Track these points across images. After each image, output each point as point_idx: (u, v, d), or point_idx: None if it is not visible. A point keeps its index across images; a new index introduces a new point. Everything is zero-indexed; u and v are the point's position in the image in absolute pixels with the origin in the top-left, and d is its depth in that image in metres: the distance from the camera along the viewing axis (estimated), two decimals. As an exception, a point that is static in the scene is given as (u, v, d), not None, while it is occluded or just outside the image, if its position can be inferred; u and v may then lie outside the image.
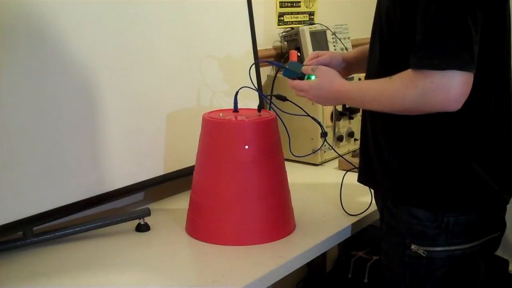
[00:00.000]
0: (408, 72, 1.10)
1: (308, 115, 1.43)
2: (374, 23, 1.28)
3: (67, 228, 1.37)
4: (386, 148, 1.24)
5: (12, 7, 1.22)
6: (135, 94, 1.48)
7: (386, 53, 1.21)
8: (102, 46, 1.40)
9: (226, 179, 1.33)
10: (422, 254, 1.21)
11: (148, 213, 1.43)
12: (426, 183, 1.20)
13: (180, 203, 1.61)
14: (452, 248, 1.21)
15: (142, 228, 1.43)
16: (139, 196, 1.66)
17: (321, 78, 1.28)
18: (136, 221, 1.43)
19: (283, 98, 1.41)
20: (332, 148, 1.64)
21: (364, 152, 1.34)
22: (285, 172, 1.42)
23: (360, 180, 1.38)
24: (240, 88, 1.38)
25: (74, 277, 1.20)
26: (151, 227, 1.44)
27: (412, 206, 1.21)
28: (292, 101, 1.41)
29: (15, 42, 1.23)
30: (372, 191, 1.46)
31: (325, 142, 1.49)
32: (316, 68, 1.30)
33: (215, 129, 1.35)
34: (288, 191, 1.43)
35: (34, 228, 1.32)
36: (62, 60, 1.32)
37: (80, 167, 1.36)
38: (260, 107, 1.41)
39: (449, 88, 1.05)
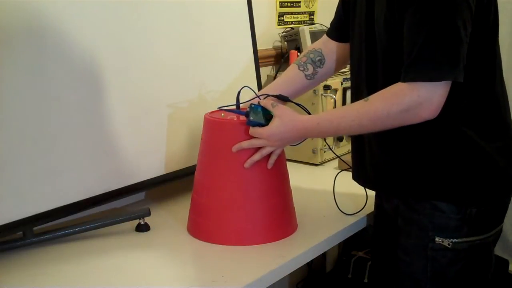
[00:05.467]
0: (393, 88, 1.12)
1: (309, 113, 1.43)
2: (362, 39, 1.27)
3: (67, 228, 1.37)
4: (408, 147, 1.24)
5: (13, 7, 1.22)
6: (135, 93, 1.48)
7: (390, 63, 1.20)
8: (102, 46, 1.40)
9: (228, 179, 1.33)
10: (447, 246, 1.23)
11: (148, 213, 1.43)
12: (453, 178, 1.21)
13: (181, 203, 1.61)
14: (473, 238, 1.23)
15: (142, 228, 1.43)
16: (139, 196, 1.66)
17: (282, 117, 1.26)
18: (136, 221, 1.44)
19: (284, 99, 1.41)
20: (331, 149, 1.63)
21: (375, 159, 1.32)
22: (287, 171, 1.42)
23: (370, 186, 1.41)
24: (242, 88, 1.38)
25: (74, 277, 1.20)
26: (151, 227, 1.44)
27: (436, 200, 1.23)
28: (294, 101, 1.41)
29: (15, 42, 1.23)
30: (369, 191, 1.47)
31: (325, 143, 1.50)
32: (276, 105, 1.28)
33: (217, 129, 1.35)
34: (290, 191, 1.43)
35: (34, 228, 1.32)
36: (62, 60, 1.32)
37: (80, 167, 1.36)
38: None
39: (432, 100, 1.09)
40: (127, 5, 1.45)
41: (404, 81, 1.11)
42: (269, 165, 1.32)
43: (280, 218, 1.37)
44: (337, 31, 1.47)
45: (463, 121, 1.19)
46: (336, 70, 1.51)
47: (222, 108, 1.38)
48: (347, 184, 1.56)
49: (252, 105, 1.30)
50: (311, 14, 2.35)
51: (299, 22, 2.28)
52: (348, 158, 1.68)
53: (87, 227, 1.38)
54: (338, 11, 1.46)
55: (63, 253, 1.31)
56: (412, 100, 1.09)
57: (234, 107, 1.37)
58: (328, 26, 2.13)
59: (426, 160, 1.22)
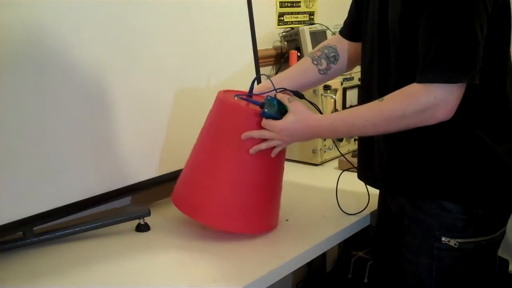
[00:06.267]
0: (409, 89, 1.13)
1: (320, 112, 1.41)
2: (374, 39, 1.27)
3: (67, 228, 1.37)
4: (418, 147, 1.24)
5: (13, 8, 1.22)
6: (135, 94, 1.48)
7: (404, 64, 1.19)
8: (102, 47, 1.40)
9: (226, 161, 1.32)
10: (453, 245, 1.23)
11: (148, 213, 1.43)
12: (461, 178, 1.21)
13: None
14: (479, 239, 1.24)
15: (142, 228, 1.43)
16: (139, 196, 1.65)
17: (296, 114, 1.26)
18: (136, 221, 1.44)
19: (300, 96, 1.39)
20: (337, 148, 1.62)
21: (383, 158, 1.32)
22: (283, 168, 1.41)
23: (376, 185, 1.40)
24: (259, 76, 1.35)
25: (74, 277, 1.20)
26: (151, 227, 1.44)
27: (443, 199, 1.23)
28: (308, 99, 1.40)
29: (15, 42, 1.23)
30: (371, 190, 1.47)
31: (333, 142, 1.47)
32: (292, 100, 1.28)
33: (226, 111, 1.33)
34: (280, 187, 1.42)
35: (34, 228, 1.32)
36: (62, 60, 1.31)
37: (80, 167, 1.36)
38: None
39: (447, 101, 1.10)
40: (127, 6, 1.45)
41: (419, 82, 1.11)
42: (273, 154, 1.31)
43: (265, 211, 1.36)
44: (349, 30, 1.47)
45: (474, 122, 1.19)
46: (348, 68, 1.51)
47: (238, 95, 1.36)
48: (348, 184, 1.56)
49: (269, 97, 1.29)
50: (311, 14, 2.35)
51: (299, 22, 2.28)
52: (350, 157, 1.68)
53: (87, 227, 1.38)
54: (351, 10, 1.46)
55: (63, 253, 1.31)
56: (428, 101, 1.10)
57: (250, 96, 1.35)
58: (328, 26, 2.13)
59: (435, 160, 1.22)
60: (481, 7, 1.08)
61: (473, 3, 1.07)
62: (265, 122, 1.28)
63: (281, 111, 1.28)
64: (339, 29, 2.16)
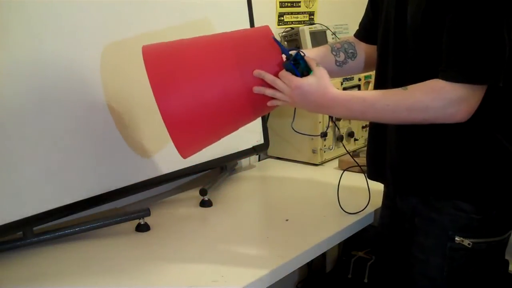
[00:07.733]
0: (433, 83, 1.11)
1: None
2: (389, 40, 1.25)
3: (67, 228, 1.37)
4: (434, 146, 1.22)
5: (13, 3, 1.22)
6: (134, 94, 1.48)
7: (421, 66, 1.18)
8: (102, 46, 1.40)
9: (222, 72, 1.23)
10: (467, 245, 1.22)
11: (148, 213, 1.43)
12: (477, 178, 1.20)
13: (180, 203, 1.61)
14: (491, 239, 1.23)
15: (142, 228, 1.43)
16: (139, 196, 1.66)
17: (319, 79, 1.21)
18: (136, 221, 1.44)
19: None
20: (343, 146, 1.61)
21: (395, 157, 1.30)
22: (247, 121, 1.33)
23: (387, 185, 1.39)
24: (299, 49, 1.31)
25: (74, 277, 1.20)
26: (151, 227, 1.44)
27: (458, 199, 1.22)
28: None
29: (14, 41, 1.23)
30: (372, 190, 1.46)
31: (328, 142, 1.45)
32: (320, 67, 1.23)
33: (264, 40, 1.26)
34: (225, 135, 1.33)
35: (34, 228, 1.32)
36: (62, 59, 1.32)
37: (80, 167, 1.36)
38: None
39: (469, 102, 1.09)
40: (127, 6, 1.45)
41: (443, 79, 1.09)
42: (269, 103, 1.25)
43: (201, 140, 1.29)
44: (366, 31, 1.44)
45: (492, 123, 1.18)
46: (365, 69, 1.48)
47: (276, 39, 1.28)
48: (348, 184, 1.56)
49: (299, 53, 1.24)
50: (311, 14, 2.35)
51: (299, 22, 2.28)
52: (347, 158, 1.68)
53: (87, 227, 1.39)
54: (367, 11, 1.44)
55: (63, 253, 1.31)
56: (452, 99, 1.08)
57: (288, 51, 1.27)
58: (328, 26, 2.13)
59: (451, 160, 1.21)
60: (510, 9, 1.07)
61: (502, 5, 1.06)
62: (283, 73, 1.21)
63: (303, 72, 1.22)
64: (339, 29, 2.17)
